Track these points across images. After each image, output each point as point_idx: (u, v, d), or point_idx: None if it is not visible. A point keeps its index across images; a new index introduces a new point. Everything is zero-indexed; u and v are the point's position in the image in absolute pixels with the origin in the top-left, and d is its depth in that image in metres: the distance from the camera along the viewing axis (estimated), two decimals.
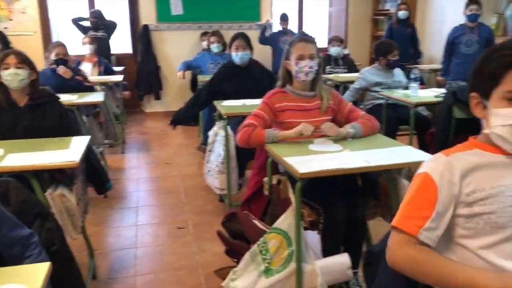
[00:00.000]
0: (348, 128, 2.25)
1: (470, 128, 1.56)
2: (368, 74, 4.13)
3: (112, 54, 6.37)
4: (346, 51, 5.92)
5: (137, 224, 3.21)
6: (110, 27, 6.26)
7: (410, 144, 3.83)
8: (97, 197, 3.22)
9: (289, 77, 2.41)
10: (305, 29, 7.43)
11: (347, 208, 2.07)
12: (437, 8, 6.44)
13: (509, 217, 1.14)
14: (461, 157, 1.19)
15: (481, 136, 1.23)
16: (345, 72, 5.46)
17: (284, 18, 6.59)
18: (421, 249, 1.14)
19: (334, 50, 5.49)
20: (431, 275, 1.11)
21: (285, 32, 6.48)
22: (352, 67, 5.63)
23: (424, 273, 1.12)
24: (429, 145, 3.70)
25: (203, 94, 3.68)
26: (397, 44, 5.86)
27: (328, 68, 5.52)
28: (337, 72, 5.46)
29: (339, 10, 7.56)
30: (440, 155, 1.21)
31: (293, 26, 7.12)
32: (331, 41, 5.55)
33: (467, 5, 4.98)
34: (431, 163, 1.21)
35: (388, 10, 7.13)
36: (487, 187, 1.15)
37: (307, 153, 2.06)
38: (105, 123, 4.44)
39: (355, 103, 4.17)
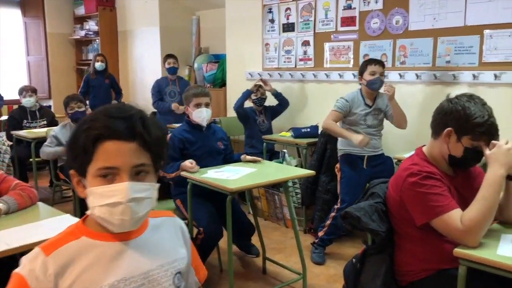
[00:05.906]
0: None
1: None
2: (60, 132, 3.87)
3: None
4: (51, 102, 5.50)
5: None
6: None
7: None
8: None
9: None
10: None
11: None
12: (137, 60, 6.72)
13: None
14: (63, 251, 1.02)
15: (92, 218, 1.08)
16: (45, 126, 5.03)
17: None
18: None
19: (27, 102, 4.98)
20: None
21: None
22: (53, 120, 5.24)
23: None
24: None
25: None
26: (96, 93, 5.78)
27: (24, 122, 5.00)
28: (34, 127, 4.99)
29: (38, 59, 7.07)
30: (38, 253, 1.01)
31: None
32: (21, 91, 5.02)
33: (166, 58, 5.30)
34: (28, 264, 1.00)
35: (91, 60, 7.06)
36: None
37: None
38: None
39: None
